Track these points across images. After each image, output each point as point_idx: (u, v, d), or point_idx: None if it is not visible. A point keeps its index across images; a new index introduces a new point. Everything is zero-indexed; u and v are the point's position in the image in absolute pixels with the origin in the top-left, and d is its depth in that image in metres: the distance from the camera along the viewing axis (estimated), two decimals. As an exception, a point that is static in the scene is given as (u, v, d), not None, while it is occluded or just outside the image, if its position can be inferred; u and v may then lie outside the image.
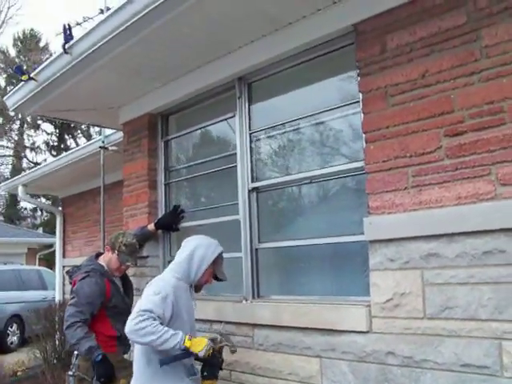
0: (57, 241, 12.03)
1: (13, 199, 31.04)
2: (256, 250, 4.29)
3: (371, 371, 3.29)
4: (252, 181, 4.33)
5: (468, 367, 2.90)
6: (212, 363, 3.45)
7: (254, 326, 4.05)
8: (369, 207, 3.36)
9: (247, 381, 4.12)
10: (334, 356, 3.49)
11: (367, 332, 3.31)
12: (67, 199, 11.85)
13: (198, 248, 3.49)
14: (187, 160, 5.27)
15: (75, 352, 4.15)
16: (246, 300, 4.21)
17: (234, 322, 4.21)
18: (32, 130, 32.59)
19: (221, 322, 3.97)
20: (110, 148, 7.68)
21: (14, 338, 13.02)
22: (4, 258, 17.82)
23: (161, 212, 5.31)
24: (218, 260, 3.56)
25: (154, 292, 3.26)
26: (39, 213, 33.66)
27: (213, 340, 3.55)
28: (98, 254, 4.45)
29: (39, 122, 31.12)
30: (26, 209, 33.70)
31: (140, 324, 3.08)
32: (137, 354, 3.38)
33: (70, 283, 4.34)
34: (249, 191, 4.33)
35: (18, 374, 8.94)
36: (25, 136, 33.07)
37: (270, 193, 4.34)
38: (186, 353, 3.19)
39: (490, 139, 2.89)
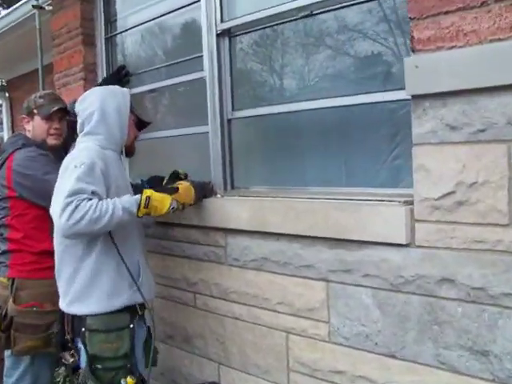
0: (4, 130, 10.46)
1: None
2: (229, 121, 2.93)
3: (412, 307, 2.06)
4: (221, 20, 2.90)
5: None
6: None
7: (227, 231, 2.77)
8: (413, 41, 2.00)
9: (217, 308, 2.89)
10: (350, 281, 2.25)
11: (407, 245, 2.04)
12: (14, 82, 10.12)
13: (105, 100, 2.55)
14: (134, 3, 3.76)
15: None
16: (215, 194, 2.92)
17: (197, 227, 2.93)
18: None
19: None
20: (46, 8, 6.08)
21: None
22: None
23: (101, 77, 3.90)
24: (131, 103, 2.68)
25: (74, 165, 2.30)
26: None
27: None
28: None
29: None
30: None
31: (74, 215, 2.13)
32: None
33: None
34: (217, 35, 2.91)
35: None
36: None
37: (249, 37, 2.91)
38: None
39: None
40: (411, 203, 2.05)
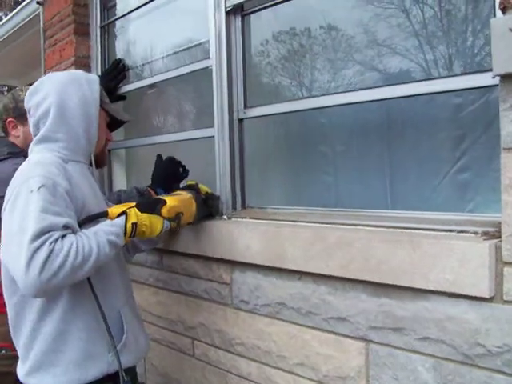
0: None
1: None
2: (240, 121, 2.29)
3: (496, 391, 1.40)
4: (233, -6, 2.29)
5: None
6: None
7: (234, 264, 2.12)
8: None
9: (219, 362, 2.24)
10: (401, 343, 1.59)
11: (490, 299, 1.38)
12: (30, 88, 9.81)
13: (64, 91, 1.83)
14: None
15: None
16: (221, 215, 2.28)
17: (196, 256, 2.29)
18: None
19: None
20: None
21: None
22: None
23: (95, 71, 3.32)
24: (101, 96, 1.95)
25: (29, 190, 1.59)
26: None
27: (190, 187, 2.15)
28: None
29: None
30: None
31: (49, 266, 1.45)
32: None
33: None
34: (227, 13, 2.29)
35: None
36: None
37: (267, 14, 2.29)
38: None
39: None
40: (496, 236, 1.39)
